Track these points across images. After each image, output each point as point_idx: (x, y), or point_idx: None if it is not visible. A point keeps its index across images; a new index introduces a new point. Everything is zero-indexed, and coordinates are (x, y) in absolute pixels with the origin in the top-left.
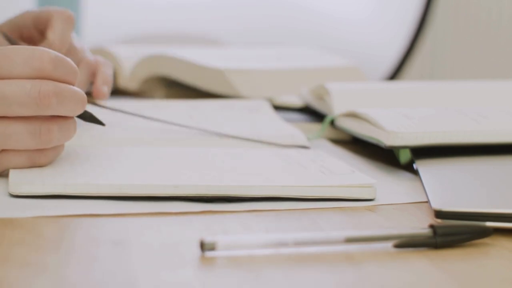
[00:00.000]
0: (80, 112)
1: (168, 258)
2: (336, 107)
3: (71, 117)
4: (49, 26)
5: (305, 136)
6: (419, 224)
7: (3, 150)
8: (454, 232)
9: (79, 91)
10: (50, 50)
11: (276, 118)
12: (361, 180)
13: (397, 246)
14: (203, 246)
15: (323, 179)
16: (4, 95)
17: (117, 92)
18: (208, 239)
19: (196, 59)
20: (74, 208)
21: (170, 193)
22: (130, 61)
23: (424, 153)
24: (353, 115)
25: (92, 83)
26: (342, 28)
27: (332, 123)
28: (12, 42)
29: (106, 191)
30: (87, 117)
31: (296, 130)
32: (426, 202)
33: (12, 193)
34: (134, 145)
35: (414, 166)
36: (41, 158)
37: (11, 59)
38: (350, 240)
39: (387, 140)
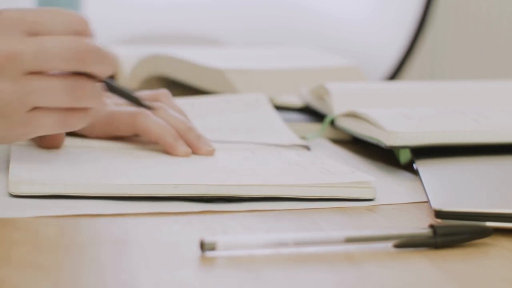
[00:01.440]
0: (110, 72)
1: (168, 258)
2: (336, 107)
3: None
4: None
5: (302, 138)
6: (419, 224)
7: (34, 109)
8: (454, 232)
9: (112, 53)
10: (86, 16)
11: (275, 116)
12: (361, 179)
13: (397, 246)
14: (203, 246)
15: (323, 179)
16: (44, 49)
17: None
18: (208, 239)
19: (196, 59)
20: (74, 208)
21: (170, 193)
22: (130, 61)
23: (424, 153)
24: (353, 115)
25: None
26: (342, 28)
27: (332, 123)
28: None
29: (106, 191)
30: (134, 100)
31: (292, 133)
32: (426, 202)
33: (12, 193)
34: (135, 145)
35: (414, 166)
36: (70, 119)
37: (52, 19)
38: (350, 240)
39: (387, 140)
